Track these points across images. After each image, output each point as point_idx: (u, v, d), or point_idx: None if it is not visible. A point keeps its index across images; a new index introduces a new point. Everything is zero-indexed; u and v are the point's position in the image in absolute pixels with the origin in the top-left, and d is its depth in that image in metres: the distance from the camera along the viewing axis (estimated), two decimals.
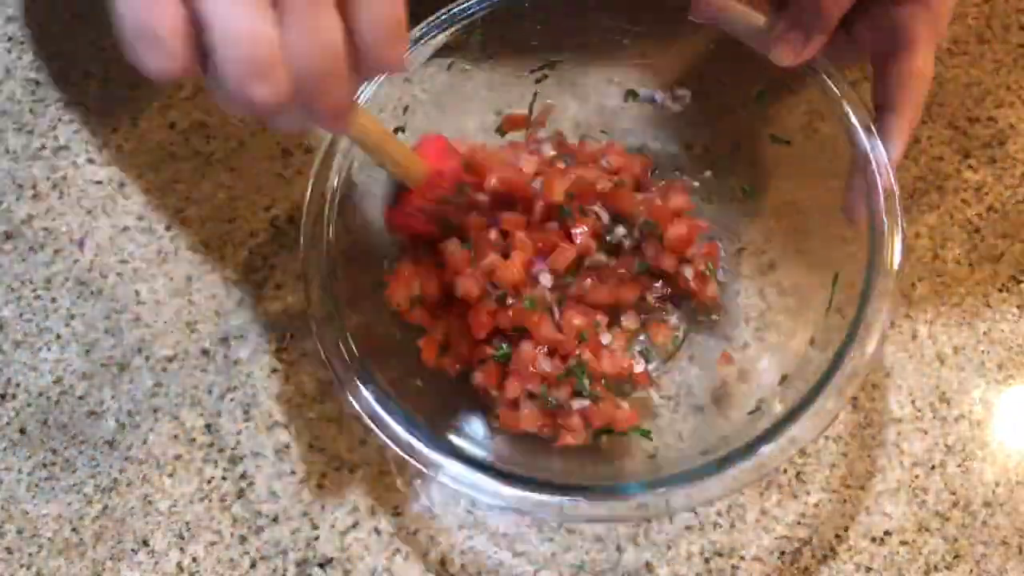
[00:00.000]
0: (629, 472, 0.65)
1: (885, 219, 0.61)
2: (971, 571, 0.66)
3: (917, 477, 0.68)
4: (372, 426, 0.58)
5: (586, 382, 0.64)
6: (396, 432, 0.58)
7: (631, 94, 0.74)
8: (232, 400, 0.72)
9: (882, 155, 0.62)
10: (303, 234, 0.63)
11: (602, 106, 0.75)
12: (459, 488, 0.57)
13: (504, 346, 0.65)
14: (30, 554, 0.68)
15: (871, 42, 0.63)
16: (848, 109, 0.64)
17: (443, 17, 0.68)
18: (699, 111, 0.73)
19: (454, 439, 0.61)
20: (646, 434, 0.65)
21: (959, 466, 0.69)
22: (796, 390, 0.59)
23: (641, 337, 0.70)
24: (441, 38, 0.68)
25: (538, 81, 0.73)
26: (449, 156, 0.66)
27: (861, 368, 0.57)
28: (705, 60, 0.71)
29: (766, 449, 0.56)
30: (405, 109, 0.68)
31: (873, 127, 0.63)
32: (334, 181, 0.64)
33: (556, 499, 0.56)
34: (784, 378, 0.63)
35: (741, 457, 0.56)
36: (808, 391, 0.57)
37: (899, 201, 0.61)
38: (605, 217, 0.68)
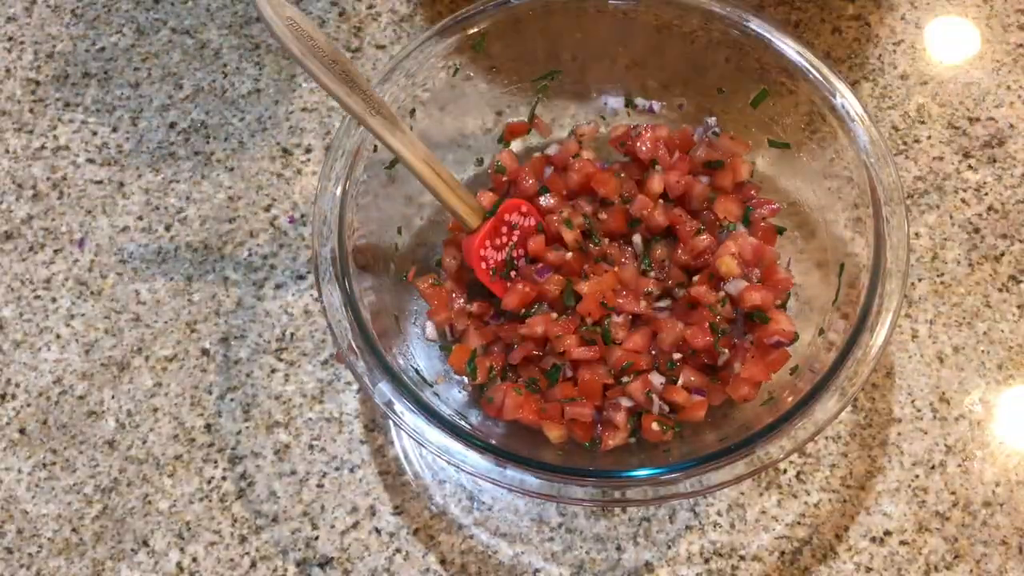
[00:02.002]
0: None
1: (889, 219, 0.61)
2: (971, 571, 0.66)
3: (917, 477, 0.68)
4: (388, 412, 0.59)
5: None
6: (412, 421, 0.58)
7: (629, 104, 0.74)
8: (232, 400, 0.72)
9: (884, 152, 0.62)
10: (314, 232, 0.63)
11: (602, 112, 0.75)
12: (466, 469, 0.57)
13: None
14: (30, 554, 0.68)
15: None
16: (847, 108, 0.64)
17: (448, 22, 0.68)
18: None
19: (460, 422, 0.61)
20: (678, 430, 0.65)
21: (959, 466, 0.69)
22: (805, 382, 0.59)
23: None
24: (446, 43, 0.68)
25: (539, 91, 0.73)
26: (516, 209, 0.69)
27: (866, 364, 0.58)
28: (703, 65, 0.71)
29: (773, 439, 0.56)
30: (412, 112, 0.69)
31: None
32: (342, 177, 0.65)
33: (564, 483, 0.57)
34: (795, 369, 0.63)
35: (749, 447, 0.56)
36: (814, 385, 0.58)
37: (904, 199, 0.61)
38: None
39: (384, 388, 0.59)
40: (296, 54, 0.56)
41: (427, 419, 0.58)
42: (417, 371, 0.65)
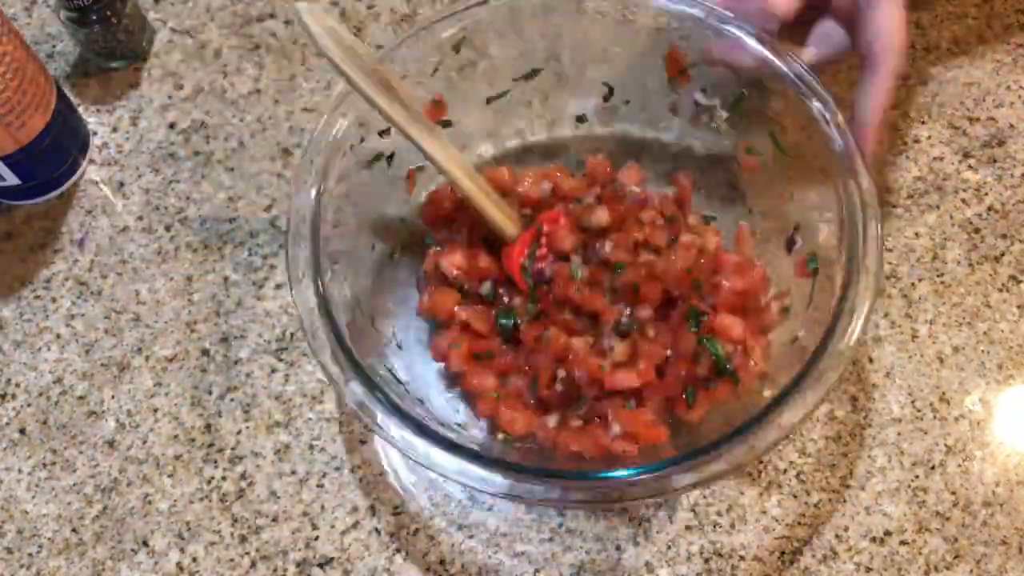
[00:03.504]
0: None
1: (862, 212, 0.60)
2: (971, 571, 0.66)
3: (917, 477, 0.68)
4: (368, 422, 0.58)
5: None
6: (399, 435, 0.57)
7: (608, 90, 0.73)
8: (232, 400, 0.72)
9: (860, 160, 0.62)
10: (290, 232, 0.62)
11: (598, 105, 0.75)
12: (455, 479, 0.56)
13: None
14: (30, 554, 0.68)
15: (845, 12, 0.66)
16: (826, 116, 0.63)
17: (445, 16, 0.68)
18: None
19: (451, 436, 0.60)
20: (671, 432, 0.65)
21: (959, 466, 0.69)
22: (784, 377, 0.59)
23: None
24: (443, 36, 0.68)
25: (527, 79, 0.73)
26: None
27: (843, 357, 0.57)
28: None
29: (756, 434, 0.56)
30: None
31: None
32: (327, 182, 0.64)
33: (554, 486, 0.56)
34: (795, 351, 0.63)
35: (734, 441, 0.56)
36: (792, 379, 0.57)
37: (879, 208, 0.60)
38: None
39: (356, 388, 0.57)
40: (338, 63, 0.56)
41: (412, 430, 0.56)
42: (391, 372, 0.64)
